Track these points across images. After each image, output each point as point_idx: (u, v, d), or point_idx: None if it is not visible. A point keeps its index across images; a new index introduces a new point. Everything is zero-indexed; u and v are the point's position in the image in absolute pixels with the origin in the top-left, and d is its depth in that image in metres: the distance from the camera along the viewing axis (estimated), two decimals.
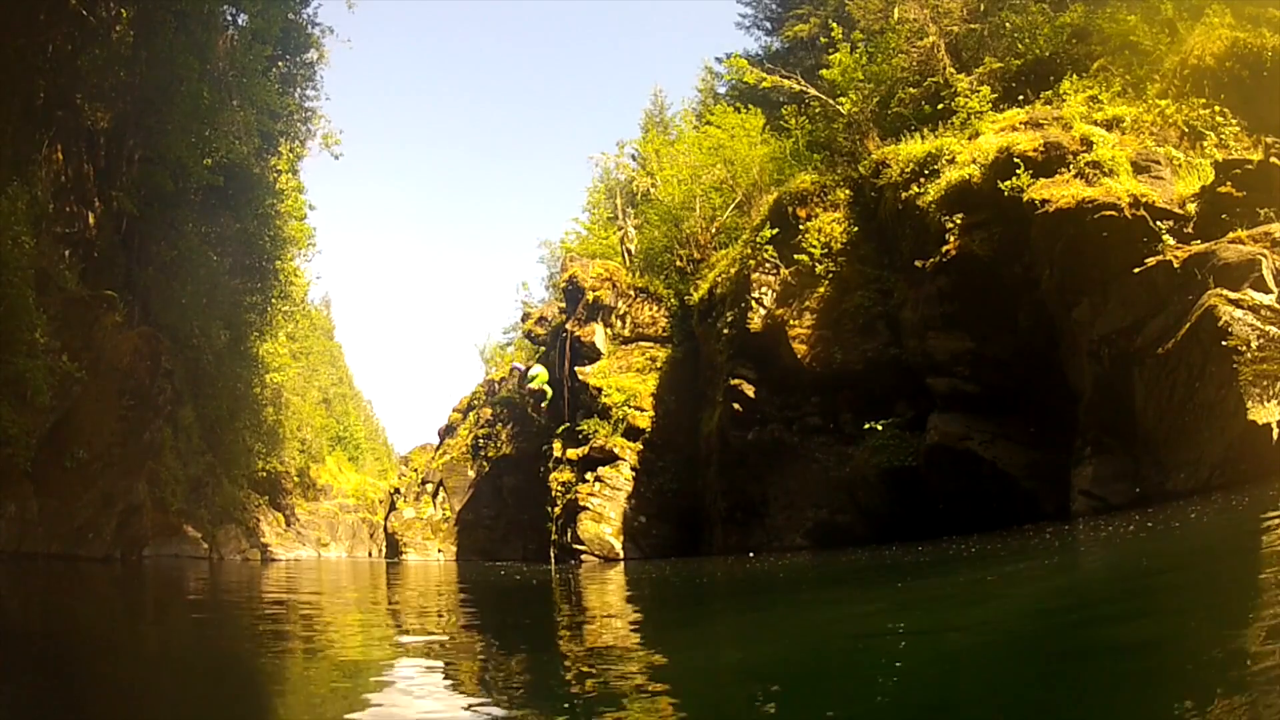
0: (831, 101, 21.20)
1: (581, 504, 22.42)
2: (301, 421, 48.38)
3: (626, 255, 30.81)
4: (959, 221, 14.42)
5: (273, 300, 31.48)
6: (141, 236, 23.43)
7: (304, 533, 44.52)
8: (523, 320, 39.27)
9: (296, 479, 46.39)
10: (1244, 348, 9.25)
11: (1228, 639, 3.87)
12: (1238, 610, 4.37)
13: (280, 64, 27.18)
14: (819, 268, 18.26)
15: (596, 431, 23.75)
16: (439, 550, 38.79)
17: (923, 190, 15.55)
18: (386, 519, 45.42)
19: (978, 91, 17.17)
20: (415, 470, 46.33)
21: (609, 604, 10.48)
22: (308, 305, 51.32)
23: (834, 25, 21.12)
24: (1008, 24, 18.12)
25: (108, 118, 21.96)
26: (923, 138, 16.70)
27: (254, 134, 24.54)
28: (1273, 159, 11.18)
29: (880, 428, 16.32)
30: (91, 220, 22.82)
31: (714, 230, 26.07)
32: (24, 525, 17.34)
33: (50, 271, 17.87)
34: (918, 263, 15.17)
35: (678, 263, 26.94)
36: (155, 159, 22.63)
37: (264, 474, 38.74)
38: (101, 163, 22.85)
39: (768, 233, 19.35)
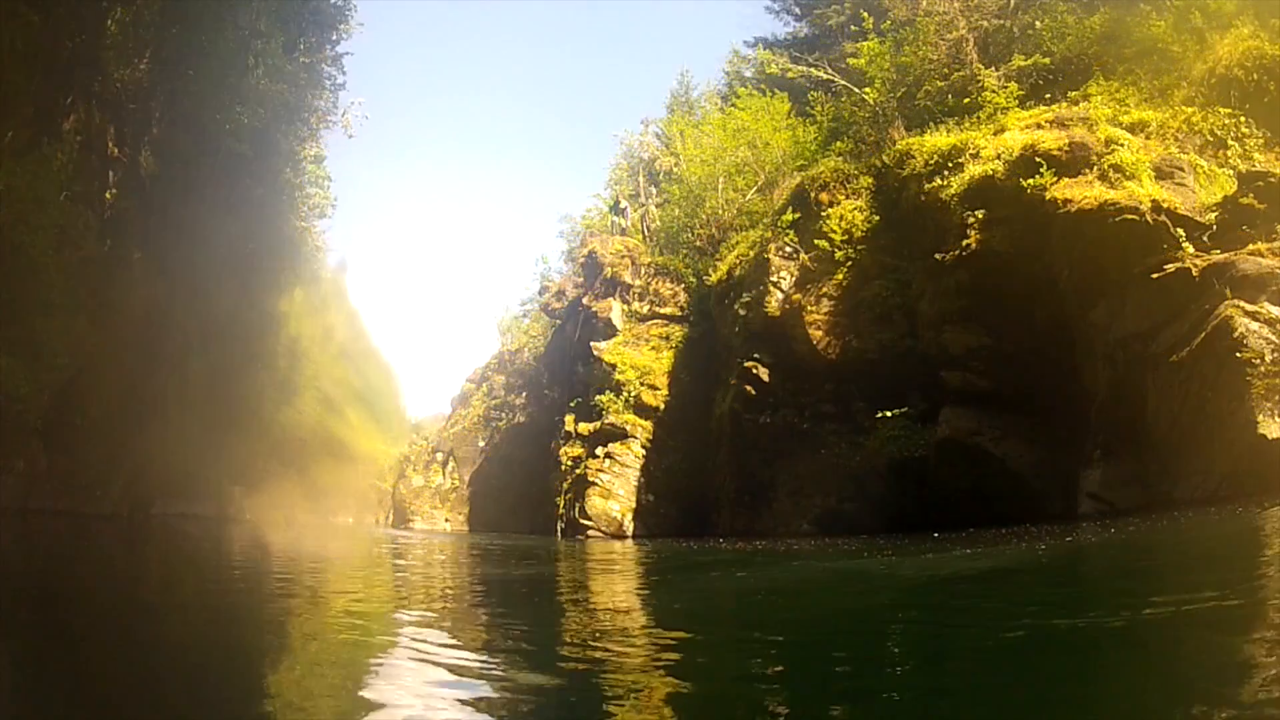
0: (858, 90, 21.14)
1: (590, 479, 22.59)
2: (318, 371, 48.02)
3: (645, 233, 30.83)
4: (980, 217, 14.45)
5: (290, 265, 31.66)
6: (161, 197, 23.59)
7: (314, 496, 44.92)
8: (540, 293, 39.36)
9: (306, 440, 46.60)
10: (1258, 360, 9.36)
11: (1228, 640, 3.98)
12: (1238, 612, 4.49)
13: (305, 33, 27.18)
14: (839, 254, 18.28)
15: (609, 407, 23.82)
16: (446, 519, 39.21)
17: (945, 183, 15.56)
18: (395, 486, 45.90)
19: (1005, 87, 17.12)
20: (426, 439, 46.73)
21: (613, 581, 10.65)
22: (325, 271, 51.35)
23: (864, 14, 21.02)
24: (1037, 23, 18.01)
25: (132, 79, 22.05)
26: (947, 131, 16.70)
27: (276, 101, 24.62)
28: None
29: (891, 415, 16.41)
30: (112, 180, 22.96)
31: (736, 210, 26.08)
32: (32, 481, 17.57)
33: (69, 230, 17.94)
34: (937, 255, 15.23)
35: (697, 242, 26.98)
36: (178, 121, 22.75)
37: (274, 434, 38.96)
38: (124, 123, 22.98)
39: (789, 216, 19.39)
